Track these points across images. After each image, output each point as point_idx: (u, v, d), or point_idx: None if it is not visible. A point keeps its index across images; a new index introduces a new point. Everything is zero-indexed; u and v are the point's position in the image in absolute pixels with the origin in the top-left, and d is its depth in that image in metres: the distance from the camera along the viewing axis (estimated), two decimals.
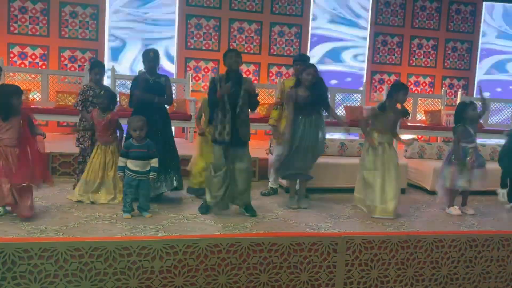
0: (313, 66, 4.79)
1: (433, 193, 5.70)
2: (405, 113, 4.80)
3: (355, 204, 4.93)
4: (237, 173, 4.36)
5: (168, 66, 8.66)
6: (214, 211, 4.40)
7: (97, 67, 5.01)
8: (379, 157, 4.65)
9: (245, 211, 4.45)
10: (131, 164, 4.17)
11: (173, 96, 7.77)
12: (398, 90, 4.65)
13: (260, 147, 6.38)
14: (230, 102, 4.23)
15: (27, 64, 7.99)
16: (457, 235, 4.05)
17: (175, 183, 4.73)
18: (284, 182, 5.48)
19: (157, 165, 4.23)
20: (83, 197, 4.55)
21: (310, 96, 4.63)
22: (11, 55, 7.93)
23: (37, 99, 7.69)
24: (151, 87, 4.66)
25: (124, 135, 4.71)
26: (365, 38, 9.42)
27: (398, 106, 4.75)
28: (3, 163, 3.87)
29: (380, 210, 4.60)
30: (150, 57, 4.69)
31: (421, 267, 3.93)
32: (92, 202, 4.50)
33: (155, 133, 4.55)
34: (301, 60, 5.19)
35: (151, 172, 4.21)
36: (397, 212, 4.68)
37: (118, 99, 5.13)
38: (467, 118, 4.82)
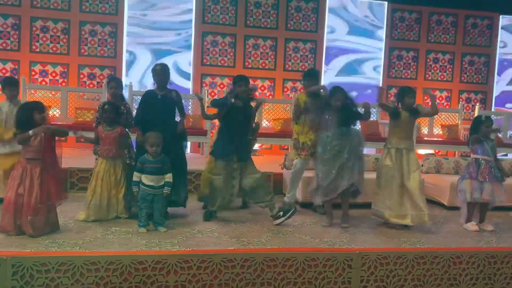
0: (339, 90, 4.78)
1: (450, 208, 5.63)
2: (414, 111, 4.73)
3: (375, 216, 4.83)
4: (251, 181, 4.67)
5: (182, 81, 8.82)
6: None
7: (113, 81, 5.04)
8: (397, 163, 4.63)
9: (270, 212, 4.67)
10: (146, 179, 4.22)
11: (189, 111, 7.89)
12: (403, 95, 4.73)
13: (275, 161, 6.39)
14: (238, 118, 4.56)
15: (48, 81, 8.20)
16: (475, 251, 3.98)
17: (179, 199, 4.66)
18: (299, 197, 5.46)
19: (171, 180, 4.26)
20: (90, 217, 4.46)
21: (341, 116, 4.70)
22: (33, 73, 8.15)
23: (57, 115, 7.87)
24: (158, 102, 4.61)
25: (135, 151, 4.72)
26: (381, 49, 9.50)
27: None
28: (27, 183, 3.89)
29: (394, 216, 4.61)
30: (158, 71, 4.65)
31: (438, 284, 3.86)
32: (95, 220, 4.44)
33: (164, 150, 4.35)
34: (309, 75, 5.24)
35: (165, 187, 4.26)
36: (420, 222, 4.64)
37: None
38: (481, 132, 4.83)
